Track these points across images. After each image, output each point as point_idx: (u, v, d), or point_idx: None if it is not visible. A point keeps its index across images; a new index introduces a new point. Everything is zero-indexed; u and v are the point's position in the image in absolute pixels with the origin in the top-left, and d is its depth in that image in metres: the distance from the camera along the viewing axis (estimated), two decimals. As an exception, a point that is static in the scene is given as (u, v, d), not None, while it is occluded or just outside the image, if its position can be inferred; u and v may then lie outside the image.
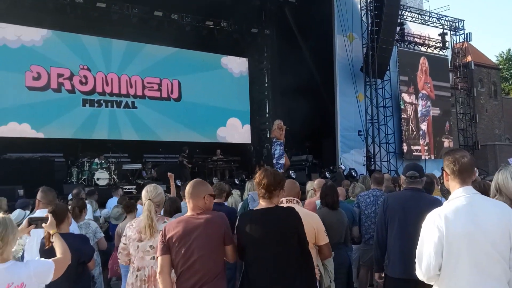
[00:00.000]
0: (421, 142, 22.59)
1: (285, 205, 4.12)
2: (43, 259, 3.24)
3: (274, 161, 14.63)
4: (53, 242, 3.52)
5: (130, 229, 4.26)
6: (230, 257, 3.64)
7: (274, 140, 14.80)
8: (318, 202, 6.07)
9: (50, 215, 3.56)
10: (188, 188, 3.69)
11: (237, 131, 20.84)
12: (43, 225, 3.52)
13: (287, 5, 20.39)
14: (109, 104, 17.64)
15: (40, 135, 16.07)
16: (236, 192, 8.15)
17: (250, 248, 3.51)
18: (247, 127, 21.20)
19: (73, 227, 4.96)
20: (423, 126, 22.78)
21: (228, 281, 5.47)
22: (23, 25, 16.00)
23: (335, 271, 4.40)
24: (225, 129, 20.51)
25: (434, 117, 23.34)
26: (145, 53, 18.58)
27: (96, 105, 17.32)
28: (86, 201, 7.61)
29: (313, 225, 4.08)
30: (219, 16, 19.89)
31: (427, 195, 4.63)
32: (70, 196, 9.03)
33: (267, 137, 22.15)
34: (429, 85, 23.12)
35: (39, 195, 5.23)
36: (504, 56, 58.85)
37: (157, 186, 4.38)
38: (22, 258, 4.37)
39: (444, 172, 3.01)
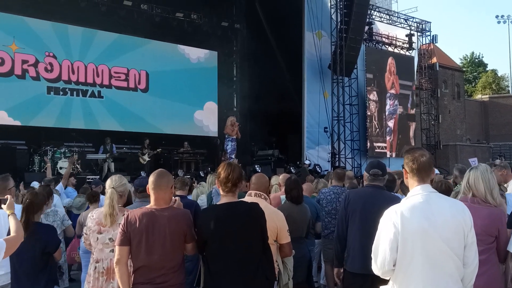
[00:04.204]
0: (387, 138, 22.96)
1: (253, 199, 4.15)
2: None
3: (228, 156, 14.97)
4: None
5: (91, 220, 4.24)
6: (190, 252, 3.66)
7: (226, 136, 15.10)
8: (282, 197, 6.12)
9: (9, 196, 3.58)
10: (152, 178, 3.64)
11: (213, 115, 20.78)
12: (2, 205, 3.54)
13: (258, 0, 20.43)
14: (75, 92, 17.31)
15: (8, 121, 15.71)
16: (203, 184, 8.20)
17: (212, 243, 3.51)
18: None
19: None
20: (390, 124, 23.16)
21: (190, 273, 5.51)
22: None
23: (295, 265, 4.45)
24: (202, 112, 20.48)
25: (399, 115, 23.76)
26: (113, 43, 18.29)
27: (61, 93, 16.97)
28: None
29: (276, 222, 4.08)
30: (189, 8, 19.75)
31: (387, 193, 4.71)
32: (33, 184, 8.92)
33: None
34: (394, 86, 23.50)
35: None
36: (468, 59, 60.31)
37: (122, 177, 4.37)
38: None
39: (403, 169, 3.10)
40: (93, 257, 4.20)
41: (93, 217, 4.24)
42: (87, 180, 12.99)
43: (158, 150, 17.51)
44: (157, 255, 3.46)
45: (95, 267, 4.13)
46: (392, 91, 23.35)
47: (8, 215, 3.53)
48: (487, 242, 3.56)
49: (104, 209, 4.10)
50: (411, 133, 24.85)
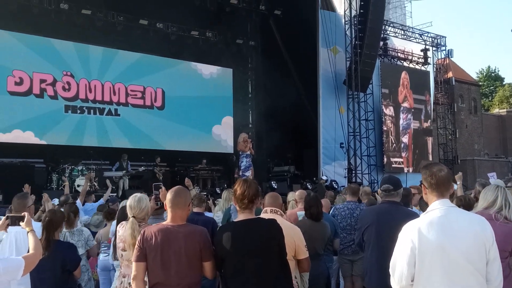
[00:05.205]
0: (403, 154, 22.80)
1: (269, 215, 4.13)
2: (13, 257, 3.29)
3: (240, 173, 14.96)
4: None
5: (117, 235, 4.33)
6: (209, 274, 3.59)
7: (240, 152, 15.13)
8: (299, 213, 6.08)
9: (27, 214, 3.61)
10: (169, 196, 3.64)
11: (231, 129, 20.74)
12: (20, 223, 3.56)
13: (272, 17, 20.57)
14: (92, 111, 17.47)
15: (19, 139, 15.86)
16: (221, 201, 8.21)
17: (230, 260, 3.49)
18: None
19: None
20: (404, 139, 23.03)
21: (207, 290, 5.48)
22: (7, 30, 15.86)
23: (314, 282, 4.42)
24: (220, 127, 20.53)
25: (414, 130, 23.62)
26: (130, 61, 18.45)
27: (78, 111, 17.13)
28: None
29: (294, 238, 4.08)
30: (205, 26, 19.94)
31: (404, 208, 4.63)
32: (52, 201, 8.96)
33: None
34: (407, 99, 23.38)
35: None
36: (484, 73, 59.88)
37: (141, 200, 4.29)
38: None
39: (422, 185, 3.07)
40: (121, 271, 4.29)
41: (119, 233, 4.28)
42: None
43: (165, 169, 17.62)
44: (173, 272, 3.45)
45: (121, 282, 4.18)
46: (405, 104, 23.23)
47: (27, 232, 3.56)
48: (503, 257, 3.50)
49: (127, 238, 4.10)
50: (429, 148, 24.64)
